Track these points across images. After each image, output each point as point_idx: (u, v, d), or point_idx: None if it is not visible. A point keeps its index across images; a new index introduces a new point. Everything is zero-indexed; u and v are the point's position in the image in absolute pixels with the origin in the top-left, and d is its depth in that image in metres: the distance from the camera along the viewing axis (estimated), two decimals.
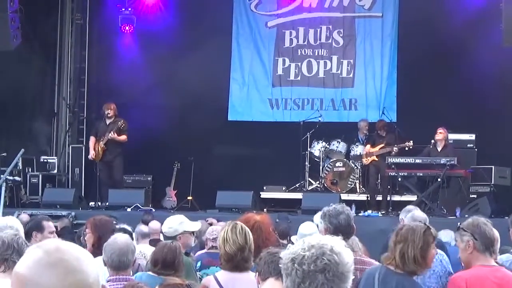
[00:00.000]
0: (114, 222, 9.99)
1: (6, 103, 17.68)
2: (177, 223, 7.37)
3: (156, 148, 17.65)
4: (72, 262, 2.11)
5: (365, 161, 16.40)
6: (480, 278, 5.27)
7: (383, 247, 7.79)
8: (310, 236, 6.93)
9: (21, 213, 13.37)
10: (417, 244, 5.08)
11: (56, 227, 9.76)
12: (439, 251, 7.00)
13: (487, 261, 5.39)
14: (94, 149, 16.62)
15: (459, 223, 5.56)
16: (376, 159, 16.19)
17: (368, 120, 17.29)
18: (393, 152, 15.93)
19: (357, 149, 16.81)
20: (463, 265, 5.52)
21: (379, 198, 16.39)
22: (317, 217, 7.71)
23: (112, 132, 16.28)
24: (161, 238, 10.87)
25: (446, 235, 9.53)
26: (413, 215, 7.26)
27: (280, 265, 2.91)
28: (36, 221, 7.73)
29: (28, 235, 7.26)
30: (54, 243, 2.16)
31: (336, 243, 2.88)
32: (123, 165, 16.80)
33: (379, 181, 16.48)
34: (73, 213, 14.83)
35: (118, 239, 6.00)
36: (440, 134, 15.60)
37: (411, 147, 15.81)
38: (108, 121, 16.66)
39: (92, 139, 16.87)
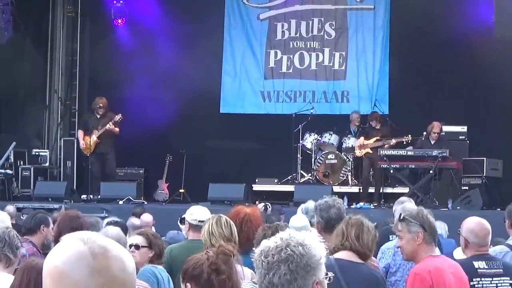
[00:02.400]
0: (105, 215, 9.92)
1: None
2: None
3: (148, 141, 17.56)
4: (117, 273, 1.99)
5: (359, 153, 16.31)
6: (439, 269, 5.23)
7: (376, 242, 7.75)
8: (304, 228, 6.86)
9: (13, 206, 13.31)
10: (370, 232, 5.12)
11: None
12: None
13: (434, 252, 5.38)
14: (85, 141, 16.56)
15: (401, 214, 5.49)
16: (371, 152, 16.11)
17: (360, 112, 17.23)
18: (391, 143, 15.84)
19: (349, 141, 16.75)
20: (404, 256, 5.44)
21: (372, 190, 16.33)
22: (300, 208, 7.71)
23: (110, 124, 16.25)
24: (153, 230, 10.83)
25: (438, 227, 9.45)
26: (404, 207, 7.20)
27: (252, 260, 2.89)
28: (43, 216, 7.72)
29: (33, 229, 7.26)
30: (102, 241, 2.01)
31: (308, 237, 2.87)
32: (116, 158, 16.78)
33: (372, 173, 16.42)
34: (64, 206, 14.73)
35: (109, 232, 5.94)
36: (438, 127, 15.56)
37: (409, 141, 15.76)
38: (99, 115, 16.60)
39: (80, 133, 16.83)
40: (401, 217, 5.36)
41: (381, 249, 7.05)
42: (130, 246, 6.05)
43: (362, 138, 16.35)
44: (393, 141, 15.90)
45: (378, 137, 16.17)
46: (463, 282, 5.29)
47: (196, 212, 6.87)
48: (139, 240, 6.10)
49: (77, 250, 1.98)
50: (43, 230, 7.43)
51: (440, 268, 5.21)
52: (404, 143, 15.84)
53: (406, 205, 7.29)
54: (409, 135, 15.74)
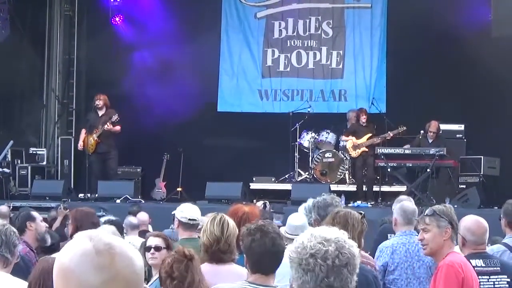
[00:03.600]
0: (103, 213, 9.92)
1: None
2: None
3: (145, 139, 17.57)
4: (122, 270, 1.99)
5: (355, 154, 16.15)
6: (466, 264, 5.33)
7: (374, 241, 7.75)
8: (302, 227, 6.82)
9: (10, 205, 13.29)
10: (356, 228, 5.10)
11: (45, 219, 9.71)
12: None
13: (454, 249, 5.48)
14: (84, 141, 16.50)
15: (428, 210, 5.49)
16: (366, 150, 16.05)
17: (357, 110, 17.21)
18: (388, 137, 15.79)
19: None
20: (427, 250, 5.46)
21: (367, 188, 16.29)
22: (301, 208, 7.65)
23: (108, 124, 16.17)
24: (150, 229, 10.83)
25: None
26: (402, 205, 7.20)
27: (291, 260, 2.88)
28: (25, 214, 7.72)
29: (21, 228, 7.25)
30: (108, 239, 2.03)
31: (343, 235, 2.92)
32: (118, 157, 16.70)
33: (365, 172, 16.33)
34: (66, 204, 14.72)
35: (106, 229, 5.94)
36: (435, 126, 15.54)
37: (404, 129, 15.68)
38: (100, 113, 16.51)
39: (82, 132, 16.75)
40: (431, 212, 5.38)
41: (379, 248, 7.06)
42: (149, 248, 6.05)
43: (353, 138, 16.16)
44: (389, 134, 15.83)
45: (370, 134, 16.08)
46: (477, 279, 5.38)
47: (187, 210, 6.77)
48: (158, 241, 6.11)
49: (83, 247, 2.01)
50: (30, 226, 7.42)
51: (466, 263, 5.34)
52: (400, 133, 15.78)
53: (404, 204, 7.28)
54: (404, 126, 15.69)
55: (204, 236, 5.60)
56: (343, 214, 5.18)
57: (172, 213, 6.94)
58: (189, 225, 6.62)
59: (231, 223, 5.62)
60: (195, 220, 6.63)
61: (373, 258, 6.66)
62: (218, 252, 5.48)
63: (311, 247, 2.83)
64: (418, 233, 5.60)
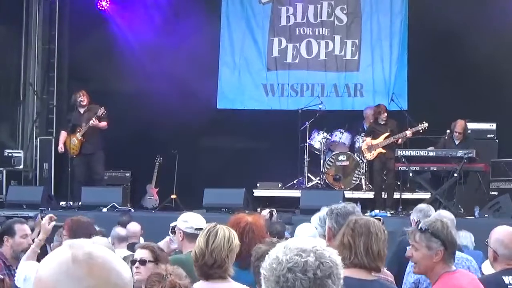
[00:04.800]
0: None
1: None
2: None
3: (135, 140, 17.59)
4: (100, 282, 2.02)
5: (370, 156, 16.16)
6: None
7: (393, 253, 7.74)
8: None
9: None
10: (379, 238, 5.06)
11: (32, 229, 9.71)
12: (466, 256, 6.95)
13: (451, 267, 5.36)
14: (66, 143, 16.51)
15: (420, 222, 5.44)
16: (384, 151, 16.03)
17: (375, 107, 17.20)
18: (407, 136, 15.77)
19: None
20: (416, 269, 5.44)
21: (386, 196, 16.29)
22: (315, 218, 7.62)
23: (93, 119, 16.18)
24: (141, 241, 10.84)
25: (463, 238, 9.48)
26: (438, 216, 7.14)
27: (266, 279, 2.85)
28: (7, 225, 7.76)
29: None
30: (89, 248, 2.06)
31: (321, 243, 2.89)
32: (104, 159, 16.70)
33: (385, 176, 16.36)
34: (40, 215, 14.71)
35: (98, 242, 5.96)
36: (463, 125, 15.52)
37: (426, 129, 15.68)
38: (81, 110, 16.54)
39: (62, 134, 16.76)
40: (421, 228, 5.34)
41: (410, 262, 7.05)
42: (134, 261, 6.07)
43: (368, 138, 16.16)
44: (408, 133, 15.81)
45: (387, 133, 16.06)
46: None
47: (192, 219, 6.82)
48: (144, 254, 6.12)
49: (60, 256, 2.05)
50: (7, 241, 7.48)
51: (459, 286, 5.23)
52: (421, 131, 15.75)
53: (441, 213, 7.24)
54: (425, 123, 15.67)
55: (193, 249, 5.65)
56: (364, 223, 5.16)
57: (172, 224, 6.98)
58: (196, 236, 6.66)
59: (222, 234, 5.60)
60: (202, 229, 6.67)
61: (391, 272, 6.65)
62: (204, 267, 5.49)
63: (288, 261, 2.80)
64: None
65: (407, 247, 7.59)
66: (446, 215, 7.26)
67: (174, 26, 18.04)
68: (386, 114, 16.18)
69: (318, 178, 17.11)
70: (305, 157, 17.23)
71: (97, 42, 18.56)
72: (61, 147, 16.64)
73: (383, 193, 16.22)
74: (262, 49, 18.69)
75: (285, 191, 17.17)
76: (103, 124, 16.34)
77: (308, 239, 2.92)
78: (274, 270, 2.82)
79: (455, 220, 7.36)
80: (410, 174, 15.60)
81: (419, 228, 5.34)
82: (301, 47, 18.49)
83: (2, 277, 6.39)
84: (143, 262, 6.07)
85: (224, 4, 18.86)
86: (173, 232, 7.44)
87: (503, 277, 5.67)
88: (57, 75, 19.40)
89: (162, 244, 7.39)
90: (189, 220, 6.81)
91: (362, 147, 16.22)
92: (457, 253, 6.75)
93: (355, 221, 5.15)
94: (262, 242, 6.26)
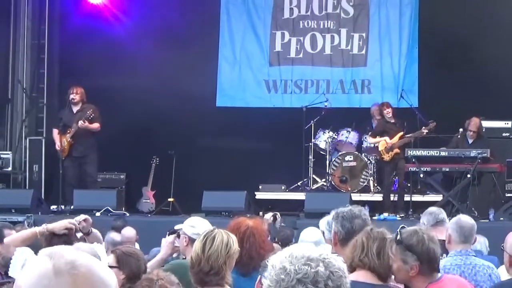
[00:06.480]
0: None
1: None
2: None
3: (130, 140, 17.59)
4: None
5: (387, 157, 16.04)
6: None
7: None
8: (317, 243, 6.81)
9: None
10: (391, 245, 5.10)
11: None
12: (487, 263, 6.93)
13: (434, 276, 5.37)
14: (60, 141, 16.49)
15: (399, 235, 5.40)
16: (398, 152, 15.94)
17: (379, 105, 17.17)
18: (422, 134, 15.73)
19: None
20: (396, 280, 5.44)
21: (397, 198, 16.29)
22: (323, 222, 7.61)
23: (82, 121, 16.13)
24: (137, 247, 10.84)
25: (477, 242, 9.45)
26: (459, 220, 7.13)
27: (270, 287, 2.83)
28: None
29: None
30: (72, 257, 2.04)
31: (325, 250, 2.89)
32: (97, 161, 16.66)
33: (395, 177, 16.31)
34: (31, 219, 14.74)
35: (81, 248, 5.96)
36: (476, 123, 15.50)
37: (433, 124, 15.63)
38: (75, 109, 16.50)
39: (54, 132, 16.73)
40: (397, 239, 5.32)
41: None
42: None
43: (387, 138, 16.08)
44: (424, 131, 15.74)
45: (401, 133, 16.02)
46: None
47: (199, 225, 6.79)
48: (109, 259, 6.12)
49: (40, 267, 2.03)
50: None
51: None
52: (431, 130, 15.73)
53: (461, 218, 7.19)
54: (433, 121, 15.64)
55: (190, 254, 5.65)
56: (381, 231, 5.21)
57: (177, 227, 6.97)
58: None
59: (220, 239, 5.59)
60: None
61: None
62: (200, 274, 5.48)
63: (296, 271, 2.79)
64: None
65: None
66: (466, 220, 7.24)
67: (171, 21, 18.01)
68: (389, 110, 16.14)
69: (323, 179, 17.11)
70: (310, 157, 17.22)
71: (90, 37, 18.57)
72: (58, 145, 16.54)
73: (392, 195, 16.22)
74: (264, 43, 18.69)
75: (289, 194, 17.18)
76: (95, 126, 16.24)
77: (311, 245, 2.91)
78: (281, 281, 2.79)
79: (476, 225, 7.31)
80: (421, 175, 15.61)
81: (396, 238, 5.32)
82: (305, 41, 18.49)
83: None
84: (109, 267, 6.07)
85: None
86: (174, 234, 7.42)
87: None
88: (48, 72, 19.36)
89: (164, 245, 7.39)
90: (196, 226, 6.79)
91: (380, 147, 16.06)
92: (478, 260, 6.77)
93: (371, 229, 5.21)
94: (262, 246, 6.27)
